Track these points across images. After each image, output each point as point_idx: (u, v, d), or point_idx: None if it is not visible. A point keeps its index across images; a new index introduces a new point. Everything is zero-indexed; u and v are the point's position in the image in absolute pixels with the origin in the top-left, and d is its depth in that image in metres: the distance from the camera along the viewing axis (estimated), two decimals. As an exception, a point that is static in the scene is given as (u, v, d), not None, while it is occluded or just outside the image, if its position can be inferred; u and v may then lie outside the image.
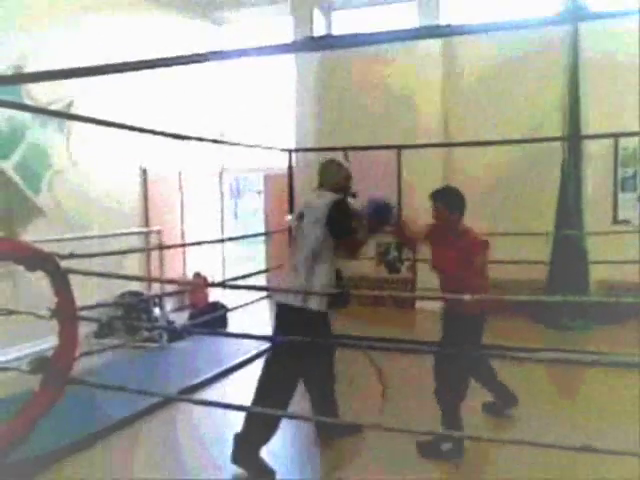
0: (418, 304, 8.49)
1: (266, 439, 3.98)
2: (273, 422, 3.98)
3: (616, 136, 7.20)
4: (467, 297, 2.54)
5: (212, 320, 7.51)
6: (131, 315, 7.58)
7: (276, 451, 4.14)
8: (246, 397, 4.06)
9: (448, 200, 4.20)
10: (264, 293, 9.60)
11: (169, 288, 7.32)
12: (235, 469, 3.99)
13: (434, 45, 8.61)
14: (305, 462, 4.27)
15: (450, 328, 4.22)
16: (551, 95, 8.06)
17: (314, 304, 3.99)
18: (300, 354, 3.93)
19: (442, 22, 8.70)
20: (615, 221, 8.03)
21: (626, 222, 7.87)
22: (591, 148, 7.87)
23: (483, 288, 4.00)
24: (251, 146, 7.00)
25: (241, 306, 6.89)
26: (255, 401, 4.02)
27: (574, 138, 7.77)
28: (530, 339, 6.74)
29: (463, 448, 4.05)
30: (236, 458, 3.97)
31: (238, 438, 3.99)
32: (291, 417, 4.42)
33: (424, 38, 4.71)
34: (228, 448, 4.01)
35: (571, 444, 2.35)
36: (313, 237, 4.05)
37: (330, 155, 4.77)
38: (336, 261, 4.13)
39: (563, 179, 7.90)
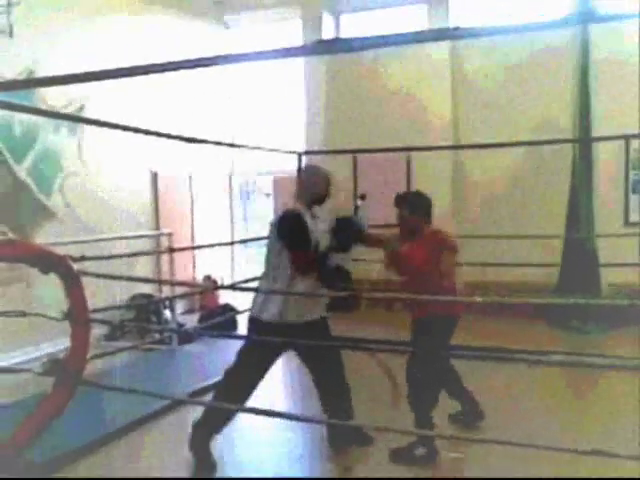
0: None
1: (217, 430, 4.06)
2: (226, 414, 4.05)
3: (627, 138, 7.17)
4: (478, 299, 2.53)
5: (222, 322, 7.53)
6: (141, 317, 7.61)
7: (287, 454, 4.17)
8: (256, 399, 4.07)
9: (409, 204, 4.27)
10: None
11: (179, 290, 7.34)
12: (242, 469, 4.03)
13: (443, 48, 8.61)
14: (313, 466, 4.29)
15: (417, 330, 4.25)
16: (561, 97, 8.04)
17: (267, 315, 3.98)
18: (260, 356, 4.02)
19: (451, 25, 8.69)
20: (626, 223, 7.99)
21: (637, 224, 7.82)
22: (602, 150, 7.84)
23: (448, 291, 4.06)
24: (260, 149, 7.01)
25: (248, 309, 6.89)
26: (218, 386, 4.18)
27: (585, 140, 7.74)
28: (540, 342, 6.70)
29: (435, 453, 4.04)
30: (189, 445, 4.06)
31: (193, 426, 4.09)
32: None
33: (433, 41, 4.70)
34: (238, 449, 4.02)
35: (578, 447, 2.35)
36: (270, 249, 4.09)
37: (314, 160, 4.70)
38: (296, 275, 3.98)
39: (574, 181, 7.88)
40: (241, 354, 4.11)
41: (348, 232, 4.16)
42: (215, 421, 4.06)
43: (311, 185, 4.17)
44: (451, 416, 4.63)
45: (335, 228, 4.14)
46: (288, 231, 4.00)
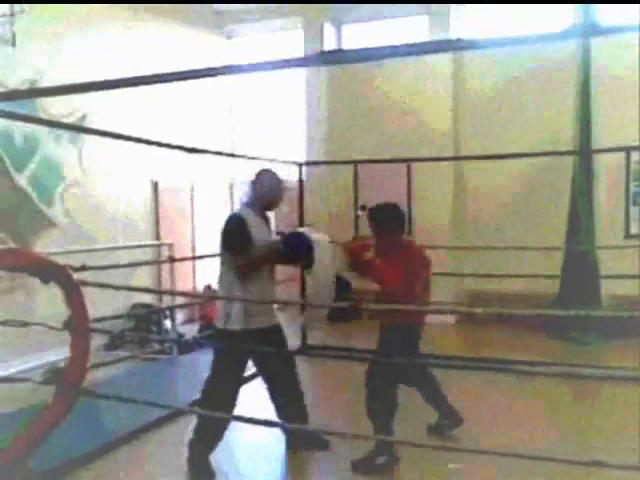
0: (428, 317, 8.44)
1: (212, 445, 4.07)
2: (218, 429, 4.07)
3: (628, 150, 7.18)
4: (479, 310, 2.52)
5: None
6: (142, 327, 7.59)
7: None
8: (256, 408, 4.07)
9: (379, 218, 4.25)
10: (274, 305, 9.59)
11: (180, 300, 7.34)
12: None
13: (445, 59, 8.63)
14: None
15: (383, 339, 4.25)
16: (562, 110, 8.04)
17: (232, 324, 4.03)
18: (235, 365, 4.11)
19: (453, 36, 8.72)
20: (627, 235, 7.99)
21: (638, 236, 7.82)
22: (602, 162, 7.84)
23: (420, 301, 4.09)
24: (261, 159, 7.03)
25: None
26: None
27: (585, 152, 7.75)
28: (539, 352, 6.70)
29: (397, 460, 4.06)
30: (188, 464, 4.08)
31: (190, 444, 4.11)
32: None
33: (434, 52, 4.70)
34: (237, 459, 4.01)
35: (578, 459, 2.34)
36: (221, 255, 4.15)
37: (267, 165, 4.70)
38: (247, 281, 4.04)
39: (574, 193, 7.88)
40: (215, 368, 4.16)
41: (297, 250, 4.11)
42: (208, 437, 4.07)
43: (264, 190, 4.22)
44: (430, 427, 4.59)
45: (286, 242, 4.15)
46: (229, 236, 4.06)
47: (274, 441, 4.55)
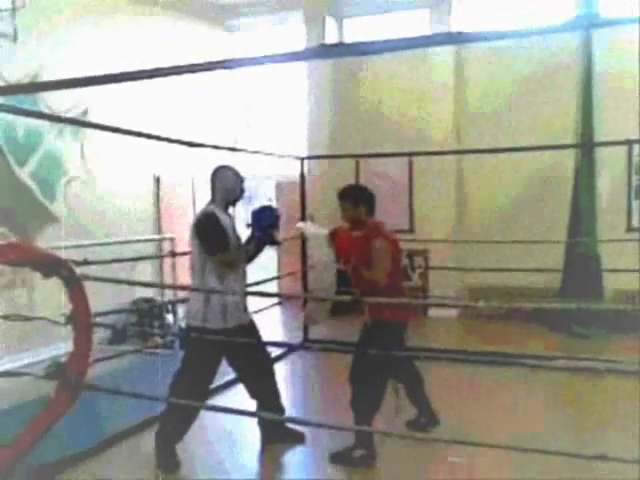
0: (431, 311, 8.47)
1: (180, 435, 4.10)
2: (185, 421, 4.09)
3: (630, 143, 7.16)
4: (481, 304, 2.52)
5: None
6: (144, 322, 7.61)
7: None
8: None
9: (353, 197, 4.22)
10: (276, 300, 9.61)
11: (182, 295, 7.34)
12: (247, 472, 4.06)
13: (447, 54, 8.61)
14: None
15: (367, 334, 4.22)
16: (565, 107, 8.03)
17: (212, 323, 4.04)
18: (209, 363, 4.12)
19: (454, 30, 8.69)
20: (629, 228, 7.98)
21: (640, 230, 7.81)
22: (604, 155, 7.83)
23: (394, 291, 4.03)
24: (263, 153, 7.04)
25: (253, 312, 6.90)
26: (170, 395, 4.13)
27: (587, 145, 7.73)
28: (542, 346, 6.71)
29: (375, 455, 4.07)
30: (155, 451, 4.12)
31: (157, 433, 4.14)
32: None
33: (436, 45, 4.68)
34: (239, 452, 4.02)
35: (580, 452, 2.34)
36: (194, 254, 4.12)
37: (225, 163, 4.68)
38: (223, 276, 4.07)
39: (576, 187, 7.87)
40: (188, 365, 4.13)
41: (262, 222, 4.20)
42: (174, 428, 4.10)
43: (224, 186, 4.24)
44: (409, 423, 4.57)
45: (252, 220, 4.21)
46: (206, 232, 4.06)
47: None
